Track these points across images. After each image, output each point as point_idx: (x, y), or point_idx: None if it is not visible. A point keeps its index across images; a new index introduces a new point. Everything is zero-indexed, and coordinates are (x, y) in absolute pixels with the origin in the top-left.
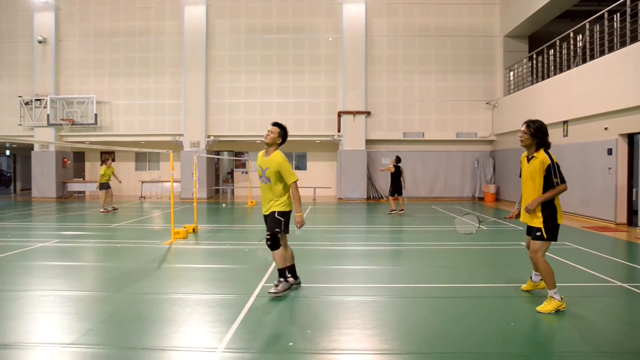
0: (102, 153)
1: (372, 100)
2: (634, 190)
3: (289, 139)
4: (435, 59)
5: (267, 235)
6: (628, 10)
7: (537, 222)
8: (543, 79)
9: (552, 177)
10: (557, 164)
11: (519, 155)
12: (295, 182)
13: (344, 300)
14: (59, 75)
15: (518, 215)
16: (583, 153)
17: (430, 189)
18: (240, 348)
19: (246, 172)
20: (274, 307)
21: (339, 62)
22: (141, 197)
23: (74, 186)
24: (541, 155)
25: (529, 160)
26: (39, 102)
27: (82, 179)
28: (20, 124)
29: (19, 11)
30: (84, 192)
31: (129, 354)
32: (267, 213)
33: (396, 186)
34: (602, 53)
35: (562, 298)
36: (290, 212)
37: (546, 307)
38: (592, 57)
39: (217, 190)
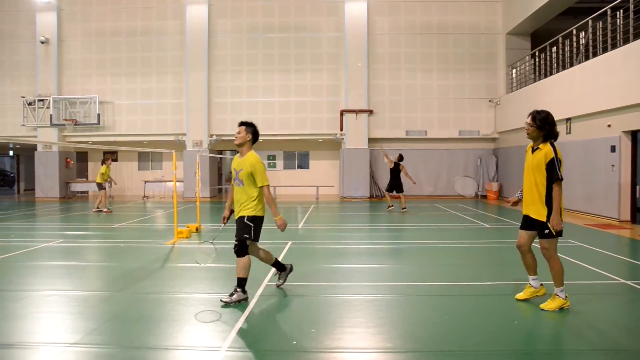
0: (105, 153)
1: (375, 99)
2: (638, 187)
3: (291, 137)
4: (437, 56)
5: (235, 241)
6: (631, 7)
7: (542, 214)
8: (546, 76)
9: (553, 172)
10: (560, 159)
11: (522, 153)
12: (267, 186)
13: (347, 298)
14: (61, 76)
15: (516, 203)
16: (586, 150)
17: (433, 187)
18: (244, 347)
19: None
20: (278, 305)
21: (341, 60)
22: (144, 196)
23: (77, 186)
24: (546, 147)
25: (533, 151)
26: (41, 102)
27: (85, 179)
28: (24, 125)
29: (21, 11)
30: (87, 192)
31: (133, 353)
32: (238, 215)
33: (394, 183)
34: (605, 50)
35: (566, 296)
36: (261, 217)
37: (550, 304)
38: (595, 54)
39: (219, 190)
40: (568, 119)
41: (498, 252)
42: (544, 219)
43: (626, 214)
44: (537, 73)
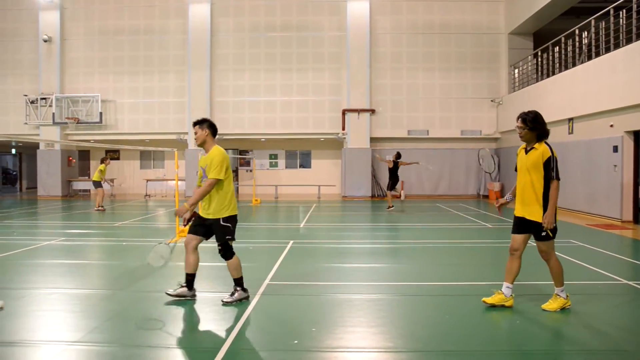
0: (107, 151)
1: (377, 98)
2: None
3: (293, 137)
4: (439, 56)
5: (219, 245)
6: (634, 6)
7: (537, 215)
8: (548, 76)
9: (550, 171)
10: (556, 158)
11: None
12: (217, 180)
13: (348, 298)
14: (64, 74)
15: (504, 204)
16: (588, 150)
17: (435, 186)
18: (246, 346)
19: (250, 170)
20: (279, 305)
21: (343, 59)
22: (146, 195)
23: (79, 184)
24: (542, 146)
25: (527, 151)
26: (44, 100)
27: (87, 178)
28: (26, 123)
29: (23, 10)
30: (89, 190)
31: (134, 351)
32: (208, 217)
33: (394, 181)
34: (607, 50)
35: (567, 296)
36: (235, 215)
37: (552, 305)
38: (597, 54)
39: None
40: (570, 119)
41: (499, 252)
42: (540, 219)
43: (628, 214)
44: (540, 73)
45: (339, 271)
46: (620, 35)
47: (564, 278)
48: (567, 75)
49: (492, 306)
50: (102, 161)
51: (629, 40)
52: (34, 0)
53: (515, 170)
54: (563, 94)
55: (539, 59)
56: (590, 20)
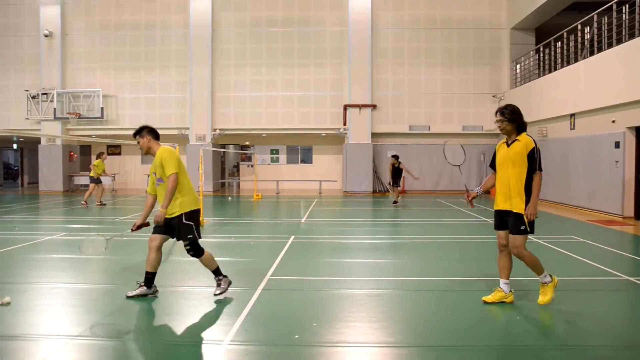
0: (108, 146)
1: (378, 93)
2: None
3: (294, 132)
4: (441, 51)
5: (186, 246)
6: (637, 1)
7: (520, 206)
8: (550, 71)
9: (534, 162)
10: (539, 150)
11: None
12: (175, 174)
13: (349, 293)
14: (65, 69)
15: (474, 198)
16: (590, 146)
17: (436, 182)
18: (247, 341)
19: (252, 166)
20: (280, 300)
21: (345, 55)
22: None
23: (81, 179)
24: (525, 138)
25: (509, 145)
26: (45, 95)
27: (88, 172)
28: (27, 118)
29: (25, 5)
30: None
31: (135, 346)
32: (173, 216)
33: (397, 178)
34: (610, 45)
35: (551, 275)
36: (197, 210)
37: (544, 297)
38: (599, 50)
39: (222, 184)
40: (572, 115)
41: None
42: (522, 211)
43: (630, 210)
44: (542, 68)
45: (340, 266)
46: (623, 30)
47: (564, 274)
48: (569, 70)
49: (493, 304)
50: (97, 156)
51: (631, 36)
52: None
53: (491, 166)
54: (565, 90)
55: (541, 55)
56: (593, 16)
